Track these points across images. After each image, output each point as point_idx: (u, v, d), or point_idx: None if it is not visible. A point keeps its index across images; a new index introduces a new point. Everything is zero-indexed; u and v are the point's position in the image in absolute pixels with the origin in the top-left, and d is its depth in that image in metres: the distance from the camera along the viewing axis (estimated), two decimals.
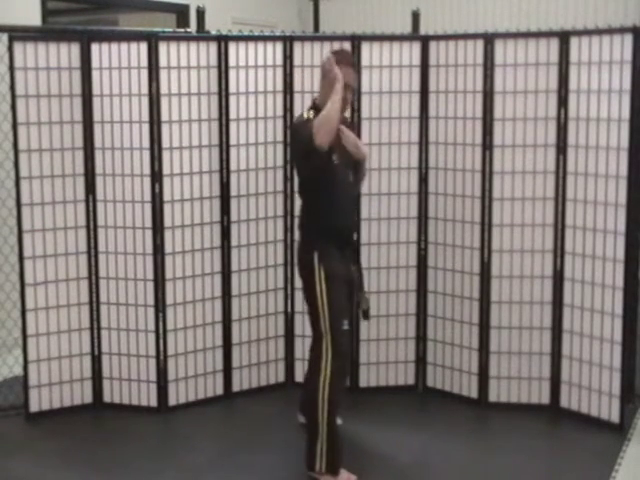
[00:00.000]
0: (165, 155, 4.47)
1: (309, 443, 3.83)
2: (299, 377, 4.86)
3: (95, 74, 4.44)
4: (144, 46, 4.39)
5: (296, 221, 4.34)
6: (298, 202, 4.74)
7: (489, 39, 4.47)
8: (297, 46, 4.70)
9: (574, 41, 4.33)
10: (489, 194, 4.53)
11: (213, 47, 4.55)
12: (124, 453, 4.17)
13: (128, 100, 4.44)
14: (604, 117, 4.23)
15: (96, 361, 4.63)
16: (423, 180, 4.75)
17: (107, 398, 4.65)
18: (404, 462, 4.07)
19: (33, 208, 4.42)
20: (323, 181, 3.81)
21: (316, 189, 3.85)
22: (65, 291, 4.53)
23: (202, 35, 4.60)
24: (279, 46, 4.70)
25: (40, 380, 4.51)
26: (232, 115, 4.62)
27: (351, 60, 3.97)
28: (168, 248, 4.52)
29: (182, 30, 5.53)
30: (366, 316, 4.13)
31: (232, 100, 4.61)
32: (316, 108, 3.80)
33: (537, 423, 4.47)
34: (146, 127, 4.44)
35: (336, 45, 4.63)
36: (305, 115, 3.84)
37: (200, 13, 4.67)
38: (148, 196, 4.48)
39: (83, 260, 4.56)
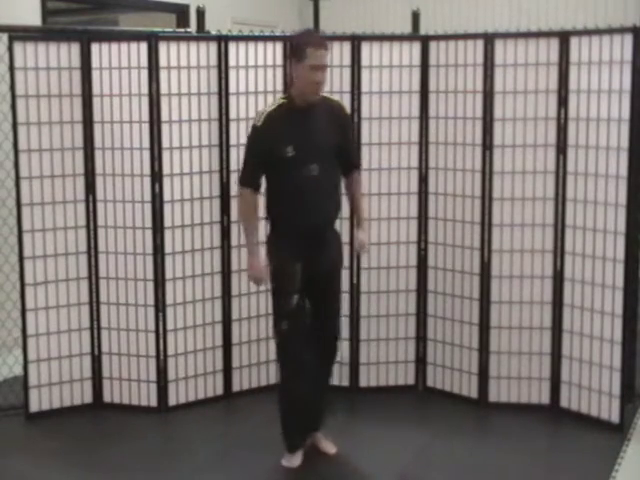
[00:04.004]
0: (165, 155, 4.47)
1: None
2: None
3: (95, 74, 4.44)
4: (144, 46, 4.39)
5: None
6: None
7: (489, 39, 4.47)
8: None
9: (574, 41, 4.32)
10: (489, 194, 4.53)
11: (213, 47, 4.55)
12: (124, 453, 4.17)
13: (128, 100, 4.44)
14: (604, 117, 4.23)
15: (96, 361, 4.63)
16: (423, 180, 4.75)
17: (107, 398, 4.65)
18: (404, 462, 4.07)
19: (33, 208, 4.42)
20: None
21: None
22: (65, 291, 4.53)
23: (202, 35, 4.60)
24: (279, 46, 4.70)
25: (40, 380, 4.51)
26: (232, 115, 4.62)
27: (319, 41, 3.76)
28: (168, 248, 4.52)
29: (182, 30, 5.54)
30: None
31: (232, 100, 4.61)
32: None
33: (537, 423, 4.46)
34: (146, 127, 4.44)
35: (336, 45, 4.64)
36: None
37: (200, 13, 4.67)
38: (148, 196, 4.48)
39: (83, 260, 4.56)
